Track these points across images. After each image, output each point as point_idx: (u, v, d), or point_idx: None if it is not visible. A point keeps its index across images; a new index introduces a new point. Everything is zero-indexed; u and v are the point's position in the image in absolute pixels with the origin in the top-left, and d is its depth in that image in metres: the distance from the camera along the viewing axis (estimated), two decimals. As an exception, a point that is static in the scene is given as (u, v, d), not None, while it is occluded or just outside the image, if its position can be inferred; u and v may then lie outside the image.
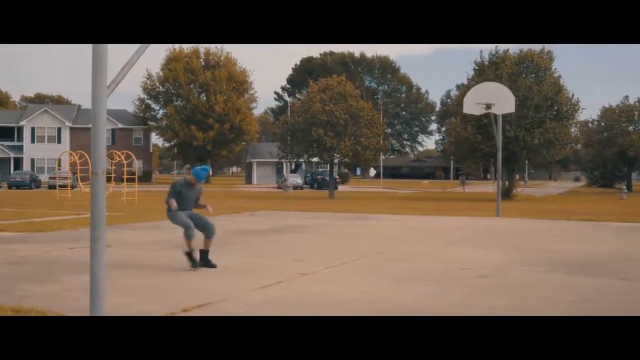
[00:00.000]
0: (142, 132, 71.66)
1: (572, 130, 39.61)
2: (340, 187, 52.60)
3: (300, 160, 45.24)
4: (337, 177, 51.79)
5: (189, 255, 8.99)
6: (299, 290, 7.59)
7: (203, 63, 70.18)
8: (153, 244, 12.08)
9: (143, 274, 8.64)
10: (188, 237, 8.95)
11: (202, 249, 9.20)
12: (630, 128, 57.97)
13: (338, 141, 35.55)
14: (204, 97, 68.34)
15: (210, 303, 6.65)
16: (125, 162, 32.03)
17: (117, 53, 6.40)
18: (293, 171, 64.21)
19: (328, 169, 43.02)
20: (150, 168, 73.63)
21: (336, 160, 39.87)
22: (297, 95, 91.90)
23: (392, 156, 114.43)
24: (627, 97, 59.77)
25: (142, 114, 71.57)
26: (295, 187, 53.01)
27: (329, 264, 9.63)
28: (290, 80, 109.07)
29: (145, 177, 65.64)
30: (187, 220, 9.09)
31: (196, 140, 65.87)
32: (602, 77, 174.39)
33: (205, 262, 9.12)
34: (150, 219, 17.81)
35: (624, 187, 50.87)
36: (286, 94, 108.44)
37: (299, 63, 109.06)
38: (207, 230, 9.28)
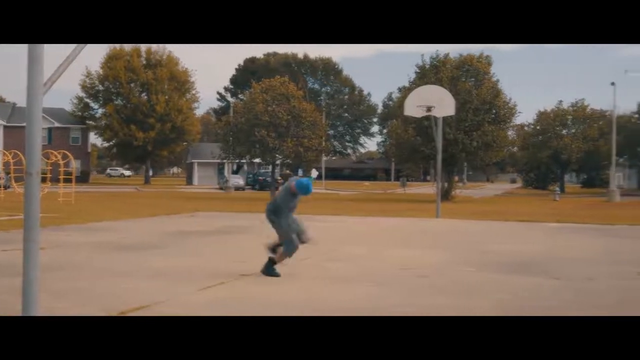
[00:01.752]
0: (80, 131, 69.95)
1: (509, 133, 40.65)
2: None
3: (242, 161, 45.01)
4: (280, 178, 51.72)
5: (272, 264, 8.64)
6: (241, 292, 7.56)
7: (144, 62, 69.01)
8: (89, 246, 11.81)
9: (79, 277, 8.44)
10: (289, 254, 8.62)
11: (274, 258, 8.75)
12: (564, 132, 59.90)
13: (280, 142, 35.55)
14: (145, 97, 67.19)
15: (149, 306, 6.55)
16: (62, 162, 31.21)
17: (54, 49, 6.23)
18: (235, 172, 63.80)
19: (270, 170, 42.95)
20: (88, 168, 71.99)
21: (278, 161, 39.83)
22: (240, 96, 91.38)
23: (334, 157, 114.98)
24: (561, 101, 61.78)
25: (80, 113, 69.83)
26: (237, 188, 52.68)
27: (271, 265, 9.61)
28: (233, 80, 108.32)
29: (83, 178, 64.13)
30: (296, 238, 8.67)
31: (136, 140, 64.69)
32: (539, 82, 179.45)
33: (271, 271, 8.65)
34: (87, 220, 17.43)
35: (557, 189, 52.52)
36: (229, 95, 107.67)
37: (242, 63, 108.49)
38: (300, 239, 8.84)
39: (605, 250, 12.50)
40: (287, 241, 8.62)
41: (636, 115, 59.34)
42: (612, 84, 45.65)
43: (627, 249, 12.65)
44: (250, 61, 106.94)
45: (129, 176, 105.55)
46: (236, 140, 37.33)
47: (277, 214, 8.68)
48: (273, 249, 8.82)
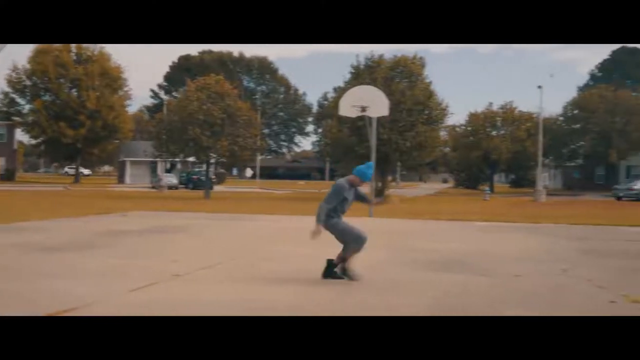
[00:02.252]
0: (6, 127, 67.44)
1: (442, 134, 41.49)
2: (217, 188, 52.09)
3: (175, 159, 44.37)
4: (214, 177, 51.27)
5: (345, 269, 8.36)
6: (174, 292, 7.47)
7: (75, 57, 67.11)
8: (14, 247, 11.41)
9: (5, 278, 8.16)
10: (359, 247, 8.32)
11: (333, 260, 8.51)
12: (494, 133, 61.56)
13: (215, 141, 35.21)
14: (75, 93, 65.38)
15: (77, 308, 6.38)
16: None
17: (-23, 44, 5.99)
18: (168, 171, 62.87)
19: (204, 168, 42.51)
20: (14, 166, 69.51)
21: (212, 160, 39.46)
22: (174, 93, 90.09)
23: (269, 157, 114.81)
24: (491, 103, 63.47)
25: (5, 109, 67.33)
26: (170, 187, 51.93)
27: (205, 265, 9.54)
28: (167, 77, 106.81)
29: (8, 176, 61.96)
30: (359, 229, 8.38)
31: (65, 137, 62.86)
32: (470, 84, 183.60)
33: (332, 273, 8.45)
34: (12, 220, 16.85)
35: (487, 188, 53.92)
36: (163, 92, 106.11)
37: (176, 61, 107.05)
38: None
39: (531, 247, 12.92)
40: (355, 236, 8.30)
41: (561, 118, 61.48)
42: (539, 87, 47.30)
43: (551, 247, 13.10)
44: (185, 59, 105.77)
45: (88, 175, 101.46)
46: (169, 139, 36.75)
47: (331, 217, 8.22)
48: (342, 260, 8.41)
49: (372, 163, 8.48)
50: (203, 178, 46.16)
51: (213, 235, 14.56)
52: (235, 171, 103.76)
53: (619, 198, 44.88)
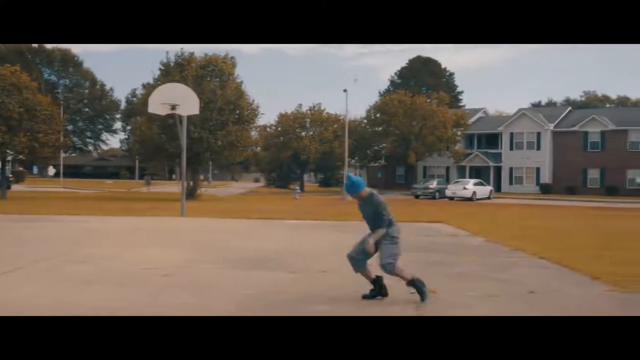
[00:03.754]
0: None
1: (253, 133, 42.00)
2: (14, 187, 48.39)
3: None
4: (11, 175, 47.56)
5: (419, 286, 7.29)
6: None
7: None
8: None
9: None
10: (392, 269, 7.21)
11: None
12: (303, 134, 63.44)
13: (12, 137, 32.71)
14: None
15: None
16: None
17: None
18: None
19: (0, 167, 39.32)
20: None
21: (9, 158, 36.62)
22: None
23: (73, 154, 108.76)
24: (300, 105, 65.31)
25: None
26: (-41, 187, 47.32)
27: (4, 270, 8.89)
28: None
29: None
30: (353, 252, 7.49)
31: None
32: (281, 85, 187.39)
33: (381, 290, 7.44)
34: None
35: (297, 187, 55.50)
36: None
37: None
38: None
39: (337, 244, 13.52)
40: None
41: (365, 121, 64.81)
42: (345, 90, 49.54)
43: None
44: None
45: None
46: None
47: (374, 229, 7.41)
48: (411, 282, 7.37)
49: (349, 174, 7.55)
50: (-2, 177, 42.60)
51: (10, 238, 13.58)
52: (35, 169, 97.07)
53: (417, 196, 48.36)
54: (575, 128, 58.65)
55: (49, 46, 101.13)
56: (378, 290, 7.39)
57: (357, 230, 17.01)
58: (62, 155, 65.78)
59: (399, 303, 7.11)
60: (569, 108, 68.97)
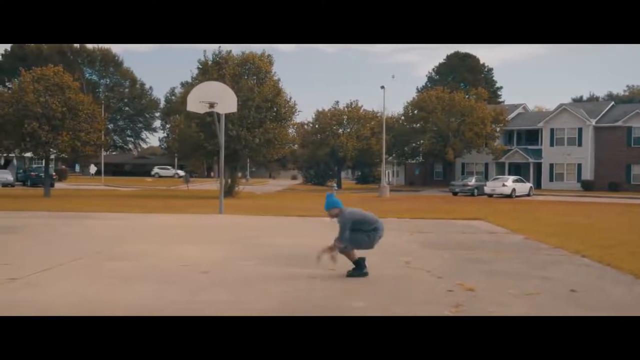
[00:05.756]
0: None
1: (290, 131, 42.07)
2: (58, 185, 49.46)
3: (11, 155, 41.54)
4: (54, 173, 48.60)
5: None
6: (9, 296, 7.05)
7: None
8: None
9: None
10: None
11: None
12: (340, 131, 63.41)
13: (54, 135, 33.36)
14: None
15: None
16: None
17: None
18: (3, 167, 58.74)
19: (43, 165, 40.15)
20: None
21: (53, 156, 37.36)
22: (7, 84, 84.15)
23: (114, 153, 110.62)
24: (337, 102, 65.27)
25: None
26: (5, 185, 48.62)
27: (44, 267, 9.07)
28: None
29: None
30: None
31: None
32: (318, 82, 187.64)
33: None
34: None
35: (335, 184, 55.53)
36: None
37: (9, 49, 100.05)
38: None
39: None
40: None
41: (402, 117, 64.47)
42: (382, 87, 49.48)
43: (395, 240, 13.74)
44: (19, 47, 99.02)
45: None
46: (3, 133, 34.29)
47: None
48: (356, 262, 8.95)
49: (327, 194, 9.38)
50: (42, 175, 43.56)
51: (53, 235, 13.85)
52: (77, 167, 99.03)
53: (455, 193, 47.95)
54: (619, 123, 57.35)
55: (90, 46, 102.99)
56: (360, 270, 8.75)
57: (393, 227, 17.00)
58: (103, 153, 66.85)
59: (431, 303, 7.05)
60: (612, 103, 67.46)
